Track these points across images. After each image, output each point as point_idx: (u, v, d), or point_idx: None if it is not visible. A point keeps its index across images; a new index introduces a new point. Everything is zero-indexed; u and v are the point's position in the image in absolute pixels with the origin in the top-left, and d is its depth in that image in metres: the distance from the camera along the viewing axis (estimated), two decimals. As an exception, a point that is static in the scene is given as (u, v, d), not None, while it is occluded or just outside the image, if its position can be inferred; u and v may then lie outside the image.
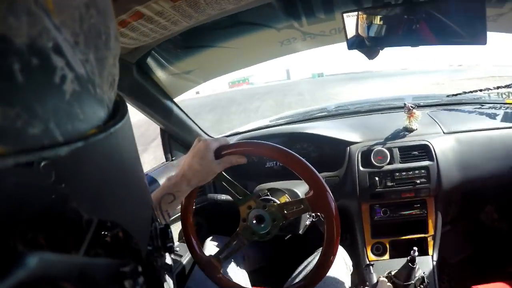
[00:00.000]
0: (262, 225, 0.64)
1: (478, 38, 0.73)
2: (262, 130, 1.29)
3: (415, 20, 0.76)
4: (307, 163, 0.59)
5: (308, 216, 0.85)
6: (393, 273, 0.88)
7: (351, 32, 0.80)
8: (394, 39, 0.79)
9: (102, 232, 0.16)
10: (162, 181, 0.97)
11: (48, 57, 0.13)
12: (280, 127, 1.28)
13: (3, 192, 0.11)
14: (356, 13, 0.79)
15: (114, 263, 0.16)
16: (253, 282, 0.91)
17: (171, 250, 0.38)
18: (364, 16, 0.79)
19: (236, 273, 0.87)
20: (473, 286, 0.98)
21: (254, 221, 0.65)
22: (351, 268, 0.95)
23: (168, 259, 0.41)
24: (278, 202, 0.68)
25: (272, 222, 0.64)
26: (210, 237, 0.96)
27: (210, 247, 0.91)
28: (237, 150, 0.63)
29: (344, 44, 0.83)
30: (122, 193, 0.20)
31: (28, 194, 0.12)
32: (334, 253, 0.60)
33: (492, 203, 1.57)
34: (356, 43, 0.81)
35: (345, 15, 0.79)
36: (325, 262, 0.61)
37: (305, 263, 0.86)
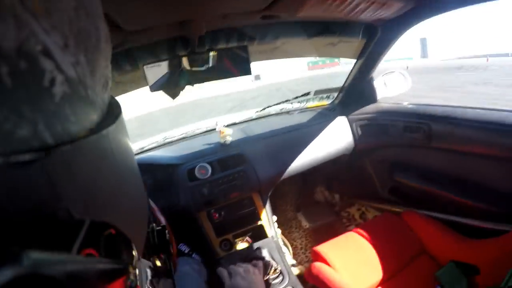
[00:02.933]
0: None
1: (246, 70, 1.00)
2: None
3: (202, 63, 0.97)
4: None
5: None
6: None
7: (154, 78, 0.95)
8: (187, 80, 0.99)
9: (94, 233, 0.16)
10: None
11: (37, 60, 0.12)
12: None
13: None
14: (154, 64, 0.95)
15: (107, 263, 0.16)
16: None
17: (168, 252, 0.39)
18: (162, 65, 0.96)
19: None
20: (313, 247, 1.16)
21: None
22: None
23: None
24: None
25: None
26: None
27: None
28: None
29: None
30: (116, 194, 0.20)
31: (19, 195, 0.12)
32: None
33: (320, 185, 1.92)
34: (157, 86, 0.96)
35: (145, 67, 0.94)
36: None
37: None
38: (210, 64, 0.99)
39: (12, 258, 0.10)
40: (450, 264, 0.66)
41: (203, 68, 0.98)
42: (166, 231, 0.39)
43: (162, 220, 0.61)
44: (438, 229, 1.13)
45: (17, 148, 0.12)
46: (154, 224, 0.40)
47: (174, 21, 0.80)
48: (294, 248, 1.66)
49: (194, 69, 0.97)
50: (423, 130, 1.23)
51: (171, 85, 0.97)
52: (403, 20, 1.08)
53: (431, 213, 1.24)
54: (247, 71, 0.98)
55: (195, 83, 0.99)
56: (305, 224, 1.82)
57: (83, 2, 0.16)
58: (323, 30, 1.21)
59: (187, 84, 0.99)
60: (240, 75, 0.99)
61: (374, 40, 1.23)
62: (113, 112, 0.20)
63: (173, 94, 1.01)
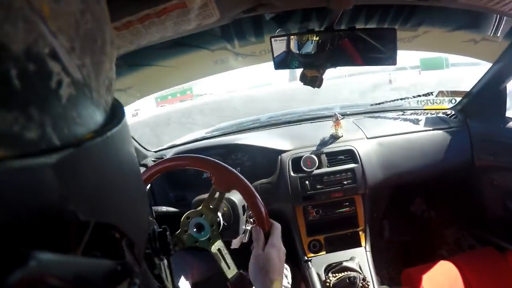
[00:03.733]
0: (202, 232, 0.67)
1: (391, 59, 0.83)
2: (198, 142, 1.29)
3: (336, 45, 0.83)
4: (205, 157, 0.66)
5: (246, 221, 0.87)
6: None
7: (278, 54, 0.85)
8: (317, 62, 0.86)
9: (100, 234, 0.16)
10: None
11: (45, 62, 0.13)
12: (215, 139, 1.30)
13: (2, 195, 0.11)
14: (283, 37, 0.85)
15: (112, 264, 0.16)
16: None
17: (169, 253, 0.39)
18: (291, 40, 0.85)
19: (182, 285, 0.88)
20: (405, 269, 1.08)
21: (195, 229, 0.67)
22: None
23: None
24: (219, 241, 0.70)
25: (211, 228, 0.67)
26: None
27: None
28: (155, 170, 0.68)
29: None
30: (119, 196, 0.20)
31: (26, 197, 0.12)
32: (266, 224, 0.63)
33: (420, 196, 1.74)
34: (282, 64, 0.87)
35: (273, 39, 0.84)
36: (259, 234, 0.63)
37: None
38: (343, 47, 0.85)
39: (20, 259, 0.10)
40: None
41: (336, 51, 0.85)
42: (168, 233, 0.39)
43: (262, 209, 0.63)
44: None
45: (25, 150, 0.12)
46: (155, 227, 0.40)
47: None
48: (378, 261, 1.54)
49: (327, 50, 0.85)
50: None
51: (297, 64, 0.86)
52: None
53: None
54: (393, 60, 0.82)
55: (329, 68, 0.87)
56: (387, 235, 1.69)
57: (89, 5, 0.16)
58: (470, 23, 1.03)
59: (318, 68, 0.87)
60: (384, 64, 0.84)
61: None
62: (117, 115, 0.20)
63: (311, 82, 0.89)
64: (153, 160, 1.22)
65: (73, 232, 0.14)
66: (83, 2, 0.15)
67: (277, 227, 0.65)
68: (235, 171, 0.64)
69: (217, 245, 0.68)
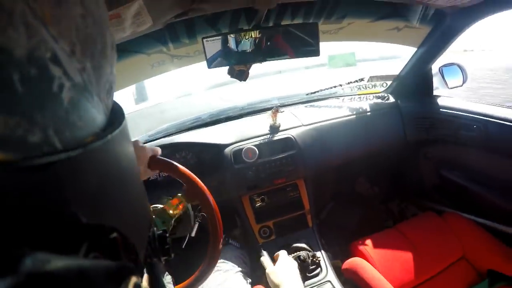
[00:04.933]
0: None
1: (315, 51, 0.90)
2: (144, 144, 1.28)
3: (263, 41, 0.89)
4: (178, 165, 0.65)
5: (196, 217, 0.90)
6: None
7: (210, 53, 0.89)
8: (246, 58, 0.91)
9: (100, 236, 0.16)
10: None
11: (46, 67, 0.13)
12: (158, 140, 1.31)
13: (5, 197, 0.11)
14: (214, 38, 0.88)
15: (112, 266, 0.16)
16: None
17: (169, 255, 0.39)
18: (222, 39, 0.89)
19: None
20: (353, 242, 1.17)
21: None
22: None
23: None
24: (161, 206, 0.71)
25: (162, 225, 0.67)
26: None
27: None
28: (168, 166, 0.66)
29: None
30: (120, 198, 0.20)
31: (29, 199, 0.12)
32: (219, 236, 0.65)
33: (363, 175, 1.86)
34: (215, 63, 0.91)
35: (204, 40, 0.88)
36: (213, 249, 0.66)
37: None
38: (274, 42, 0.90)
39: (21, 261, 0.10)
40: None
41: (265, 46, 0.90)
42: (167, 235, 0.39)
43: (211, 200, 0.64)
44: (480, 235, 1.10)
45: (28, 153, 0.12)
46: (155, 228, 0.41)
47: None
48: (329, 239, 1.63)
49: (255, 46, 0.89)
50: (479, 129, 1.17)
51: (228, 62, 0.90)
52: (477, 10, 1.01)
53: (475, 218, 1.20)
54: (316, 52, 0.89)
55: (256, 62, 0.92)
56: (335, 214, 1.78)
57: (90, 10, 0.16)
58: (392, 12, 1.12)
59: (246, 63, 0.92)
60: (306, 56, 0.91)
61: (441, 28, 1.16)
62: (117, 118, 0.20)
63: (238, 75, 0.93)
64: None
65: (75, 233, 0.14)
66: (83, 6, 0.16)
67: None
68: (201, 183, 0.66)
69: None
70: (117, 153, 0.19)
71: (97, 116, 0.18)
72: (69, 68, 0.14)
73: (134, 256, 0.20)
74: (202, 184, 0.66)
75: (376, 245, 1.11)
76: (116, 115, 0.20)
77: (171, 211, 0.68)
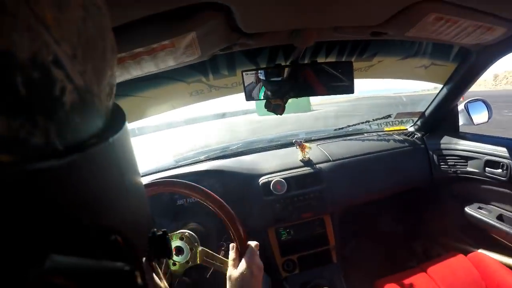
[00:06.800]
0: (181, 256, 0.70)
1: (349, 88, 0.93)
2: (172, 170, 1.32)
3: (299, 77, 0.92)
4: (239, 224, 0.65)
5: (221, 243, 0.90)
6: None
7: (248, 86, 0.92)
8: (283, 92, 0.94)
9: (102, 237, 0.16)
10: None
11: (49, 70, 0.13)
12: (187, 167, 1.33)
13: (8, 198, 0.11)
14: (253, 71, 0.92)
15: (113, 267, 0.16)
16: None
17: (169, 256, 0.40)
18: (260, 73, 0.92)
19: None
20: (378, 281, 1.14)
21: (174, 253, 0.69)
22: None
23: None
24: (202, 248, 0.72)
25: (190, 252, 0.70)
26: None
27: None
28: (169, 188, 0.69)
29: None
30: (121, 200, 0.20)
31: (31, 201, 0.12)
32: (245, 244, 0.65)
33: (386, 212, 1.82)
34: (253, 95, 0.94)
35: (244, 73, 0.92)
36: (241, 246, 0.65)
37: None
38: (308, 79, 0.94)
39: (24, 261, 0.10)
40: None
41: (300, 82, 0.94)
42: (167, 236, 0.39)
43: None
44: (506, 276, 1.07)
45: (30, 155, 0.12)
46: (155, 229, 0.40)
47: (290, 28, 0.78)
48: (351, 276, 1.57)
49: (290, 82, 0.94)
50: (506, 166, 1.14)
51: (265, 95, 0.94)
52: (502, 46, 1.01)
53: (501, 258, 1.18)
54: (350, 89, 0.92)
55: (293, 97, 0.95)
56: (358, 251, 1.74)
57: (91, 13, 0.16)
58: (419, 50, 1.15)
59: (283, 97, 0.96)
60: (340, 93, 0.94)
61: (466, 65, 1.16)
62: (118, 120, 0.20)
63: (275, 109, 0.97)
64: None
65: (76, 235, 0.15)
66: (85, 10, 0.16)
67: (251, 245, 0.65)
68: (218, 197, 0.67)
69: (201, 256, 0.70)
70: (118, 155, 0.19)
71: (98, 118, 0.18)
72: (71, 71, 0.14)
73: (135, 257, 0.20)
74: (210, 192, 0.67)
75: (401, 285, 1.08)
76: (117, 118, 0.21)
77: (204, 257, 0.70)
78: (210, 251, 0.71)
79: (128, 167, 0.21)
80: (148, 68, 0.75)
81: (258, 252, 0.65)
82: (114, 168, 0.19)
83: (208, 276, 0.83)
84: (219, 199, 0.67)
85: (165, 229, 0.41)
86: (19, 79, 0.12)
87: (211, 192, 0.67)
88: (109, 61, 0.19)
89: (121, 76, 0.75)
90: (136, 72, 0.75)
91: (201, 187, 0.68)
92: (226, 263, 0.66)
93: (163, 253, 0.39)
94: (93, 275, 0.14)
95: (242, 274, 0.59)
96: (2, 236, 0.11)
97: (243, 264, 0.61)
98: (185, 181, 0.69)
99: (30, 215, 0.12)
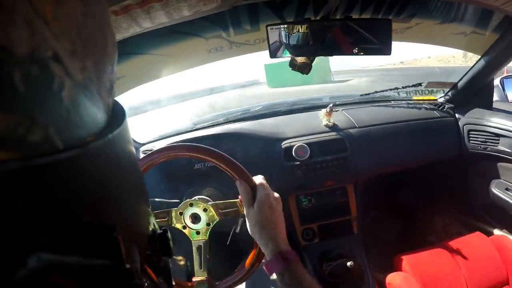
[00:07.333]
0: (195, 225, 0.67)
1: (385, 49, 0.84)
2: (189, 133, 1.27)
3: (332, 33, 0.83)
4: (238, 164, 0.62)
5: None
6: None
7: (273, 42, 0.85)
8: (311, 50, 0.86)
9: (102, 235, 0.16)
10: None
11: (48, 65, 0.13)
12: (205, 129, 1.29)
13: (5, 196, 0.11)
14: (279, 26, 0.83)
15: (113, 265, 0.16)
16: None
17: (170, 254, 0.38)
18: (286, 29, 0.84)
19: None
20: (396, 256, 1.12)
21: (189, 219, 0.67)
22: None
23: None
24: (212, 202, 0.69)
25: (206, 225, 0.67)
26: None
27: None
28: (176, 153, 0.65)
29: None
30: (121, 197, 0.20)
31: (29, 199, 0.12)
32: (250, 179, 0.62)
33: (408, 185, 1.79)
34: (278, 53, 0.86)
35: (269, 27, 0.83)
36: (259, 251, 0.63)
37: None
38: (339, 36, 0.85)
39: (22, 259, 0.11)
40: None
41: (330, 39, 0.85)
42: (168, 234, 0.38)
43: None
44: None
45: (29, 152, 0.12)
46: (156, 227, 0.39)
47: None
48: (369, 248, 1.57)
49: (321, 39, 0.85)
50: None
51: (292, 52, 0.86)
52: None
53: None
54: (387, 50, 0.83)
55: (321, 55, 0.87)
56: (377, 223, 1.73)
57: (91, 8, 0.16)
58: (461, 16, 1.05)
59: (312, 55, 0.87)
60: (375, 54, 0.85)
61: (510, 36, 1.06)
62: (118, 116, 0.20)
63: (301, 68, 0.89)
64: (143, 152, 1.19)
65: (76, 233, 0.14)
66: (84, 4, 0.15)
67: (260, 178, 0.62)
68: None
69: (201, 242, 0.68)
70: (118, 152, 0.19)
71: (98, 115, 0.17)
72: (70, 67, 0.14)
73: (135, 256, 0.20)
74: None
75: (421, 261, 1.07)
76: (117, 114, 0.20)
77: (219, 210, 0.68)
78: (219, 201, 0.68)
79: (128, 163, 0.21)
80: (160, 19, 0.68)
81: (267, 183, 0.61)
82: (114, 165, 0.19)
83: (228, 243, 0.81)
84: (207, 147, 0.63)
85: (165, 228, 0.40)
86: (17, 74, 0.11)
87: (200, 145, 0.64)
88: (110, 57, 0.19)
89: (130, 28, 0.68)
90: (146, 23, 0.68)
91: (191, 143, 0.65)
92: (240, 204, 0.64)
93: (164, 252, 0.37)
94: (91, 273, 0.14)
95: (260, 210, 0.56)
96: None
97: (258, 200, 0.57)
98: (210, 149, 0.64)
99: (28, 213, 0.12)
